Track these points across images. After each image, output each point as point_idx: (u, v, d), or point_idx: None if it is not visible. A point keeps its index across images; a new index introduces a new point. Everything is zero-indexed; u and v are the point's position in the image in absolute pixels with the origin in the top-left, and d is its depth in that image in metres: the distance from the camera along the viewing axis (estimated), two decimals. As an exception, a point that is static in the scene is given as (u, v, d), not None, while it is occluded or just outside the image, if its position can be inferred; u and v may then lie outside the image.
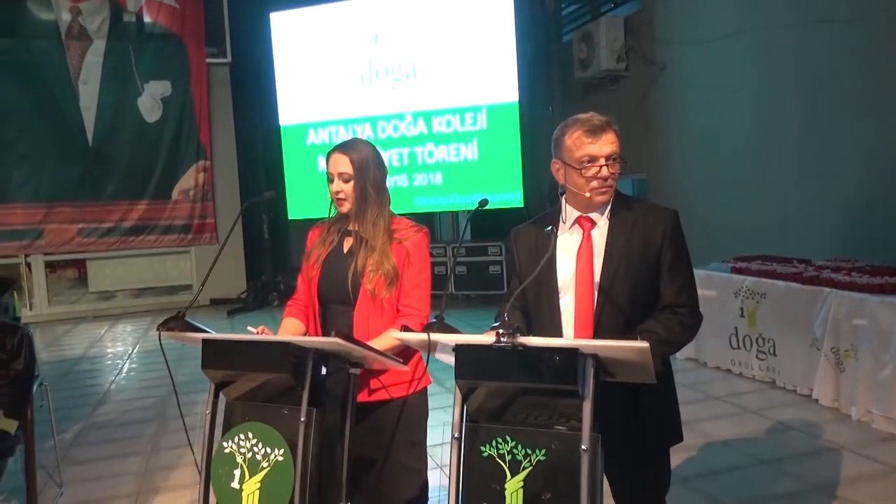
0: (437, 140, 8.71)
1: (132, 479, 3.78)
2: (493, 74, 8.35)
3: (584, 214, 1.88)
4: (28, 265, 9.69)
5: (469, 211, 8.65)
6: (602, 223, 1.87)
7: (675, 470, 1.98)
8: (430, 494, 2.29)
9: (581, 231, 1.88)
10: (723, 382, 4.97)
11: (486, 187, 8.32)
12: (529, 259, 1.91)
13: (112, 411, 5.16)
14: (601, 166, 1.79)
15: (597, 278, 1.83)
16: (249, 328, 2.05)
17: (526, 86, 8.46)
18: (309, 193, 8.94)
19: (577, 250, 1.86)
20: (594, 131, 1.80)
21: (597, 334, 1.80)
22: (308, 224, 2.37)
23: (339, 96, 8.99)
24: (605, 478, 1.62)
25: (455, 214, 9.46)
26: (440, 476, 3.32)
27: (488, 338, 1.46)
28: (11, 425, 3.02)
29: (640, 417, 1.83)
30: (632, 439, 1.82)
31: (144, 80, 9.71)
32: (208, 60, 9.95)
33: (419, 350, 2.00)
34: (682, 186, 7.30)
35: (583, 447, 1.41)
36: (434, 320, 1.61)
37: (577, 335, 1.81)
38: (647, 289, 1.83)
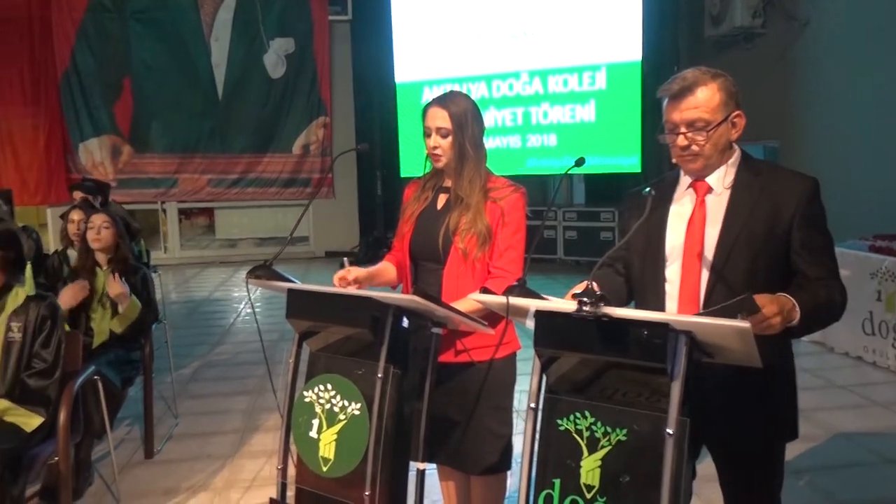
0: (552, 100, 8.44)
1: (239, 417, 4.00)
2: (615, 31, 7.93)
3: (700, 179, 1.70)
4: (164, 212, 10.43)
5: (579, 173, 8.38)
6: (720, 189, 1.67)
7: (788, 462, 1.80)
8: (515, 461, 2.24)
9: (695, 197, 1.71)
10: (851, 371, 4.56)
11: (602, 150, 8.00)
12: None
13: (227, 351, 5.49)
14: (678, 134, 1.61)
15: (708, 250, 1.65)
16: (344, 259, 2.05)
17: (650, 43, 7.97)
18: (422, 152, 8.91)
19: (688, 218, 1.70)
20: (675, 94, 1.62)
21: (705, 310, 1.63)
22: (419, 182, 2.34)
23: (455, 54, 8.88)
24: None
25: (569, 178, 9.19)
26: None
27: (570, 305, 1.36)
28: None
29: (749, 406, 1.65)
30: (737, 431, 1.66)
31: (270, 37, 10.04)
32: (330, 17, 10.13)
33: (499, 313, 1.92)
34: (817, 155, 6.69)
35: (668, 431, 1.30)
36: (516, 283, 1.53)
37: (682, 310, 1.66)
38: (769, 265, 1.62)
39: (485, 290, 1.64)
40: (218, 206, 10.73)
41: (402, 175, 9.40)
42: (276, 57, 10.12)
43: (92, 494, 3.07)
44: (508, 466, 2.24)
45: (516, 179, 2.21)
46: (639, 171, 7.91)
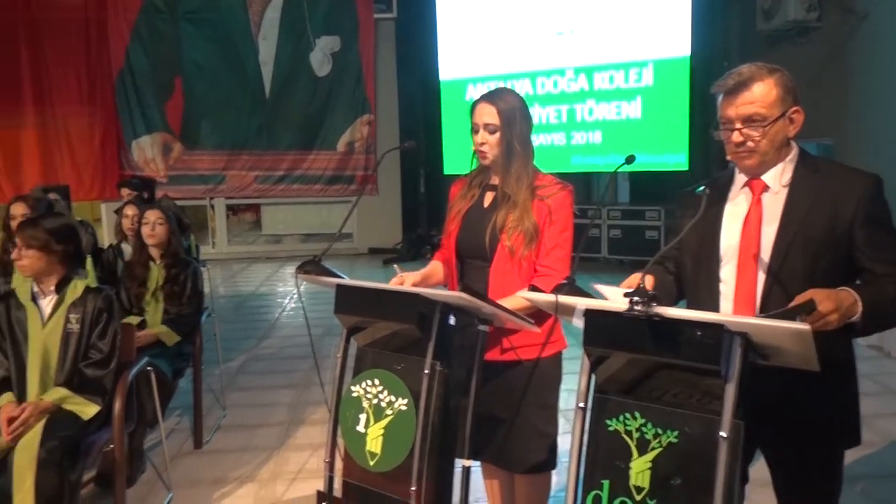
0: (598, 97, 8.34)
1: (285, 410, 4.07)
2: (663, 26, 7.79)
3: (756, 177, 1.66)
4: (212, 208, 10.66)
5: (624, 171, 8.25)
6: (777, 187, 1.63)
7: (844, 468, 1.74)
8: (560, 460, 2.23)
9: (750, 195, 1.66)
10: (908, 376, 4.40)
11: (648, 147, 7.87)
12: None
13: (273, 345, 5.58)
14: (733, 130, 1.57)
15: (764, 250, 1.61)
16: (395, 267, 2.07)
17: (699, 39, 7.80)
18: (465, 149, 8.90)
19: (744, 217, 1.66)
20: (731, 89, 1.58)
21: (762, 312, 1.58)
22: (464, 180, 2.34)
23: (500, 51, 8.85)
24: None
25: (615, 175, 9.08)
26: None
27: (620, 304, 1.34)
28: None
29: (809, 410, 1.61)
30: (796, 435, 1.62)
31: (316, 36, 10.17)
32: (375, 15, 10.20)
33: (548, 311, 1.91)
34: (874, 154, 6.45)
35: (722, 434, 1.27)
36: (565, 282, 1.51)
37: (737, 311, 1.62)
38: (829, 266, 1.57)
39: (533, 289, 1.63)
40: (264, 202, 10.92)
41: (446, 172, 9.42)
42: (322, 55, 10.24)
43: (144, 482, 3.16)
44: (553, 466, 2.23)
45: (560, 177, 2.19)
46: (686, 168, 7.77)
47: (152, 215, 3.51)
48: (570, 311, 1.53)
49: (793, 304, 1.33)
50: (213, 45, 10.02)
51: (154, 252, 3.52)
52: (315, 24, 10.14)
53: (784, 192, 1.62)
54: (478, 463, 2.23)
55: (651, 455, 1.35)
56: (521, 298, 1.89)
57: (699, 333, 1.28)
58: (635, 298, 1.30)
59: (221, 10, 9.96)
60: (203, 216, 10.72)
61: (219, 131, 10.26)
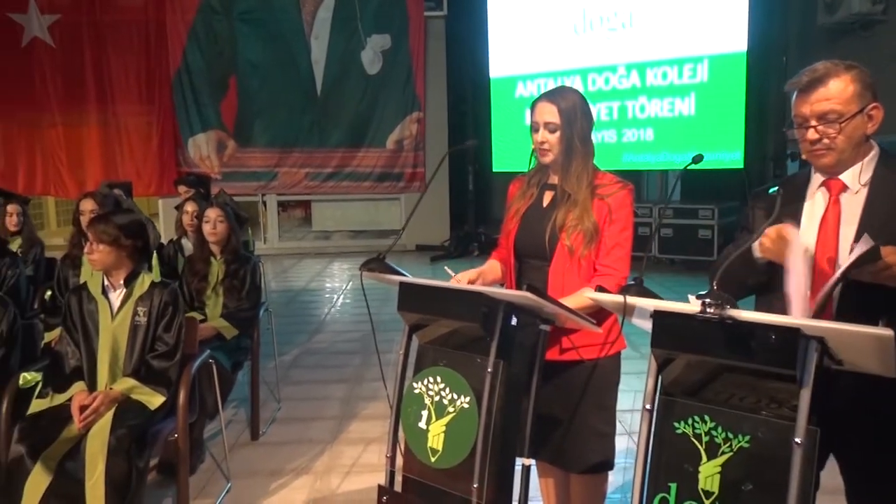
0: (650, 93, 8.21)
1: (337, 404, 4.13)
2: (719, 21, 7.61)
3: (833, 176, 1.61)
4: (264, 204, 10.87)
5: (679, 169, 8.10)
6: (856, 187, 1.58)
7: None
8: (616, 461, 2.21)
9: (828, 195, 1.62)
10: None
11: (701, 145, 7.71)
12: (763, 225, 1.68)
13: (325, 340, 5.67)
14: (807, 128, 1.53)
15: (842, 252, 1.56)
16: (447, 269, 2.09)
17: (757, 33, 7.60)
18: (514, 146, 8.94)
19: (821, 217, 1.61)
20: (805, 87, 1.54)
21: (837, 316, 1.54)
22: (512, 177, 2.34)
23: (551, 48, 8.79)
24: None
25: (664, 173, 8.93)
26: (627, 442, 3.21)
27: (692, 306, 1.32)
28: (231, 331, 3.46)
29: (882, 416, 1.56)
30: (875, 442, 1.57)
31: (367, 34, 10.27)
32: (426, 13, 10.25)
33: (614, 312, 1.90)
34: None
35: (796, 440, 1.24)
36: (632, 282, 1.50)
37: (812, 315, 1.58)
38: None
39: (600, 289, 1.62)
40: (314, 198, 11.08)
41: (495, 170, 9.42)
42: (372, 53, 10.33)
43: (203, 471, 3.25)
44: (610, 467, 2.21)
45: (613, 173, 2.17)
46: (741, 166, 7.59)
47: (213, 213, 3.60)
48: (630, 311, 1.52)
49: (858, 256, 1.30)
50: (266, 45, 10.21)
51: (214, 248, 3.61)
52: (366, 22, 10.24)
53: (864, 192, 1.57)
54: (533, 461, 2.23)
55: (721, 459, 1.33)
56: (583, 298, 1.89)
57: (773, 337, 1.26)
58: (708, 300, 1.28)
59: (275, 11, 10.14)
60: (255, 212, 10.94)
61: (271, 129, 10.46)
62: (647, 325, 1.52)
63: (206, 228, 3.58)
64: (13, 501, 2.31)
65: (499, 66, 9.33)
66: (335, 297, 7.48)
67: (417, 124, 10.48)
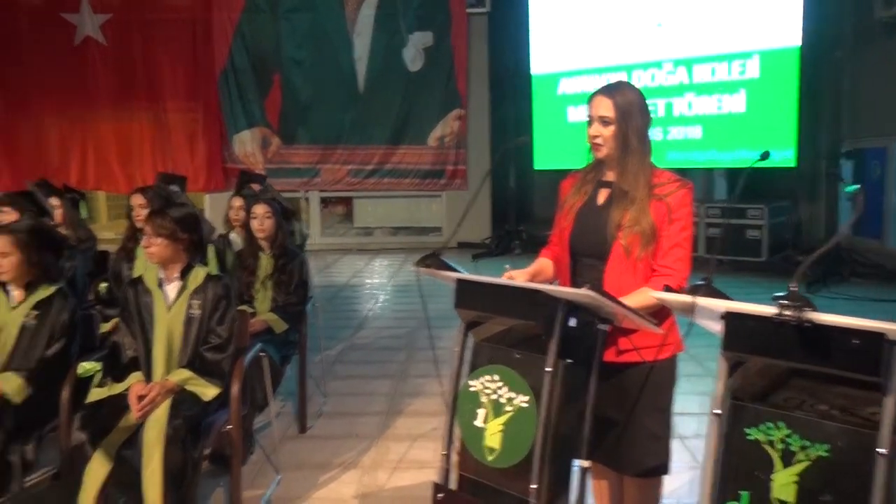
0: (698, 90, 8.04)
1: (382, 400, 4.15)
2: (771, 15, 7.41)
3: None
4: (306, 200, 10.99)
5: (739, 167, 7.91)
6: None
7: None
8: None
9: None
10: None
11: (751, 143, 7.54)
12: None
13: (369, 336, 5.70)
14: None
15: None
16: (507, 267, 2.06)
17: (810, 27, 7.38)
18: (556, 144, 8.85)
19: None
20: None
21: None
22: (554, 175, 2.30)
23: (594, 44, 8.68)
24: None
25: (709, 171, 8.74)
26: (680, 447, 3.14)
27: (769, 308, 1.28)
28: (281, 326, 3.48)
29: None
30: None
31: (409, 32, 10.29)
32: (468, 10, 10.22)
33: (677, 313, 1.85)
34: None
35: (880, 451, 1.19)
36: (701, 282, 1.46)
37: None
38: None
39: (667, 289, 1.58)
40: (356, 195, 11.16)
41: (536, 168, 9.34)
42: (414, 50, 10.35)
43: (253, 463, 3.29)
44: (666, 471, 2.16)
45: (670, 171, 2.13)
46: (794, 165, 7.38)
47: (260, 209, 3.64)
48: (692, 310, 1.48)
49: None
50: (310, 42, 10.32)
51: (263, 243, 3.65)
52: (408, 19, 10.26)
53: None
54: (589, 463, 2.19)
55: (798, 468, 1.28)
56: (644, 297, 1.85)
57: (856, 342, 1.21)
58: (786, 302, 1.23)
59: (318, 9, 10.24)
60: (297, 208, 11.07)
61: (314, 126, 10.57)
62: (710, 325, 1.48)
63: (254, 224, 3.62)
64: (75, 486, 2.36)
65: (541, 62, 9.25)
66: (377, 293, 7.51)
67: (459, 121, 10.47)
